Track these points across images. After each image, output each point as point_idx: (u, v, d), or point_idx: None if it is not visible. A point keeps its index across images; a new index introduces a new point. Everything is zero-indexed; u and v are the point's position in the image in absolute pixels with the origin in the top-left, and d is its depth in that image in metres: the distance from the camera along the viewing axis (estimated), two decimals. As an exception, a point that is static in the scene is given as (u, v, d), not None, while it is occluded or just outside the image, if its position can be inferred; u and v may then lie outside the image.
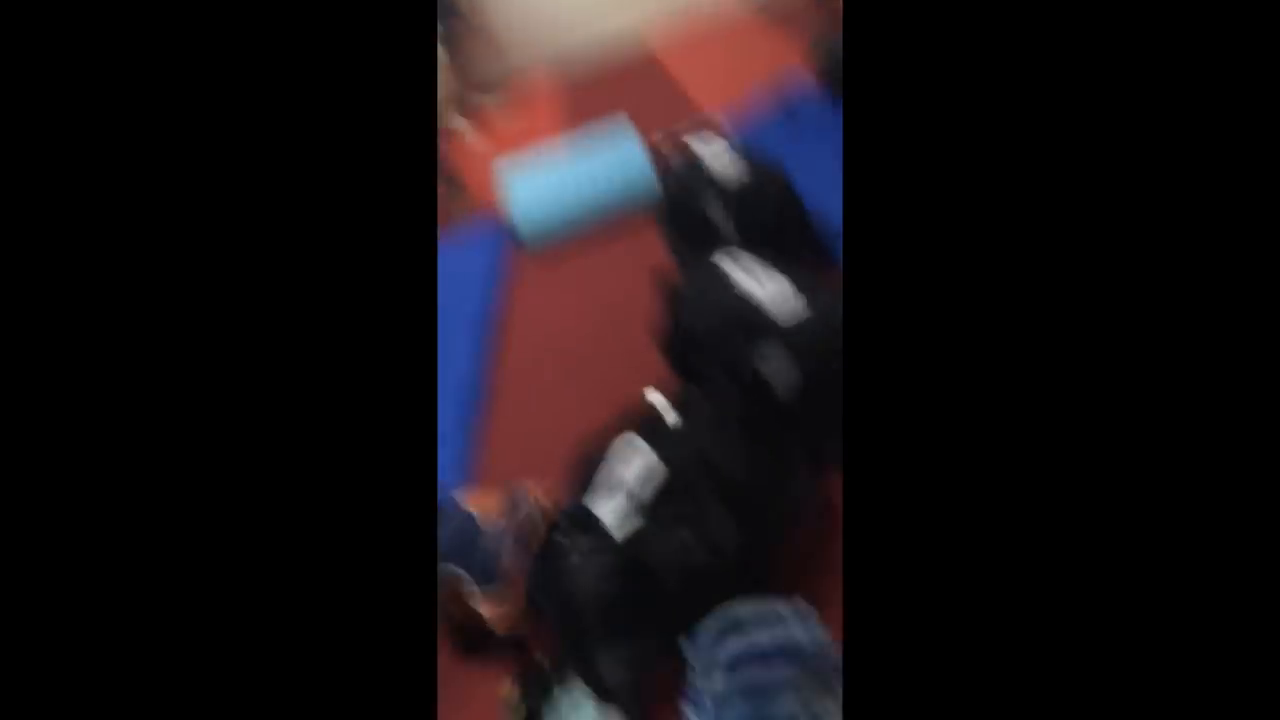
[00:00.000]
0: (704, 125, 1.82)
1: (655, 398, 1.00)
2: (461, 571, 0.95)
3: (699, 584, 0.83)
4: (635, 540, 0.85)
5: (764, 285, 1.08)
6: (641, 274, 1.40)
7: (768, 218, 1.38)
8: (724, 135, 1.58)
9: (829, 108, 1.92)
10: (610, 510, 0.87)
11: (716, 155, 1.48)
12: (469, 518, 1.01)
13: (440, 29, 2.78)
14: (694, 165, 1.48)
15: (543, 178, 2.00)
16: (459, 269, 1.84)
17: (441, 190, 2.22)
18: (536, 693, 0.87)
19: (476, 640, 0.97)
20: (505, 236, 1.95)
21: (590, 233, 1.87)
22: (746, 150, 1.49)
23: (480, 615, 0.95)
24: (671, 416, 0.96)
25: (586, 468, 0.93)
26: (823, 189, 1.58)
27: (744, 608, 0.79)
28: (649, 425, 0.95)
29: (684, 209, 1.46)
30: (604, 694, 0.84)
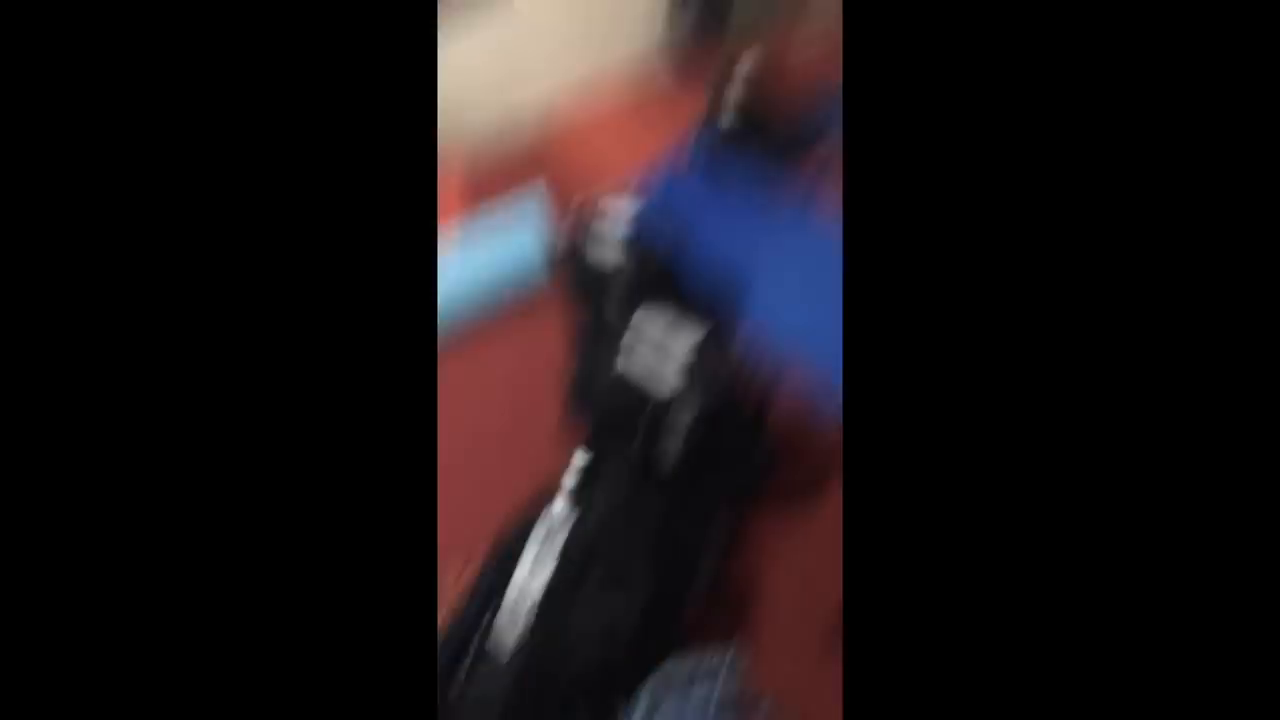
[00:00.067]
0: (611, 193, 1.82)
1: (567, 475, 0.97)
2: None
3: (620, 654, 0.81)
4: (535, 642, 0.79)
5: (667, 351, 1.06)
6: (550, 350, 1.37)
7: (671, 283, 1.37)
8: (631, 202, 1.57)
9: (732, 166, 1.95)
10: (505, 618, 0.81)
11: (622, 223, 1.46)
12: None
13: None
14: (599, 235, 1.46)
15: (450, 262, 1.96)
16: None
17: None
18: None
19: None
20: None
21: (498, 314, 1.82)
22: (652, 216, 1.48)
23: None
24: (579, 490, 0.95)
25: (479, 580, 0.88)
26: (730, 248, 1.61)
27: (672, 668, 0.79)
28: (552, 506, 0.93)
29: (588, 280, 1.44)
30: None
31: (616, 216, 1.49)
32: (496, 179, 2.69)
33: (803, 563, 0.99)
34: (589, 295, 1.43)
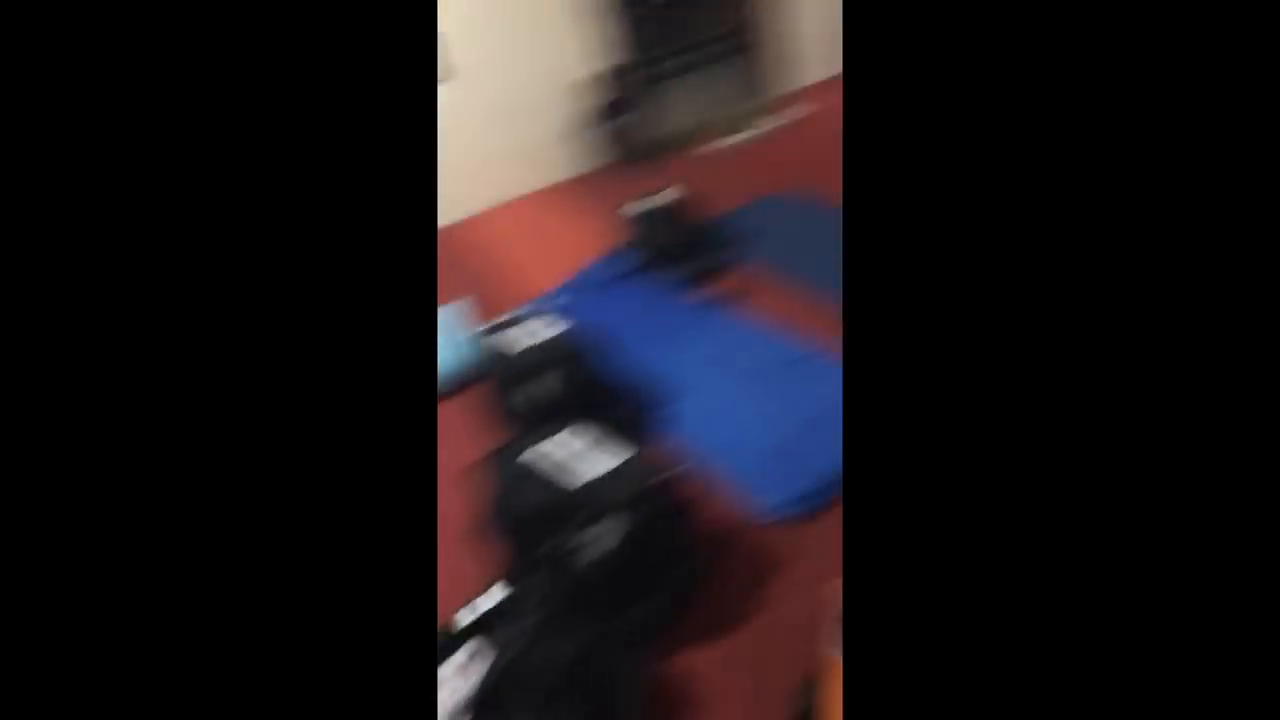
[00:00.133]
0: (528, 304, 1.83)
1: (483, 597, 0.93)
2: None
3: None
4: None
5: (586, 461, 1.05)
6: (464, 459, 1.32)
7: (591, 392, 1.36)
8: (547, 311, 1.58)
9: (649, 284, 2.00)
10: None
11: (540, 332, 1.47)
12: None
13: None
14: (518, 346, 1.46)
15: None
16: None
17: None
18: None
19: None
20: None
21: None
22: (569, 324, 1.49)
23: None
24: (497, 610, 0.90)
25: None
26: (647, 352, 1.63)
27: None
28: (474, 631, 0.88)
29: (510, 389, 1.41)
30: None
31: (538, 322, 1.49)
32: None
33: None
34: (511, 406, 1.41)
